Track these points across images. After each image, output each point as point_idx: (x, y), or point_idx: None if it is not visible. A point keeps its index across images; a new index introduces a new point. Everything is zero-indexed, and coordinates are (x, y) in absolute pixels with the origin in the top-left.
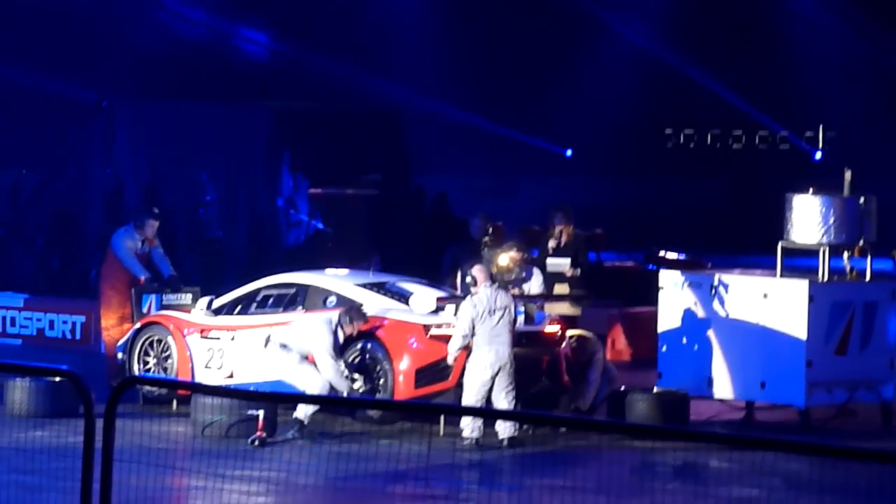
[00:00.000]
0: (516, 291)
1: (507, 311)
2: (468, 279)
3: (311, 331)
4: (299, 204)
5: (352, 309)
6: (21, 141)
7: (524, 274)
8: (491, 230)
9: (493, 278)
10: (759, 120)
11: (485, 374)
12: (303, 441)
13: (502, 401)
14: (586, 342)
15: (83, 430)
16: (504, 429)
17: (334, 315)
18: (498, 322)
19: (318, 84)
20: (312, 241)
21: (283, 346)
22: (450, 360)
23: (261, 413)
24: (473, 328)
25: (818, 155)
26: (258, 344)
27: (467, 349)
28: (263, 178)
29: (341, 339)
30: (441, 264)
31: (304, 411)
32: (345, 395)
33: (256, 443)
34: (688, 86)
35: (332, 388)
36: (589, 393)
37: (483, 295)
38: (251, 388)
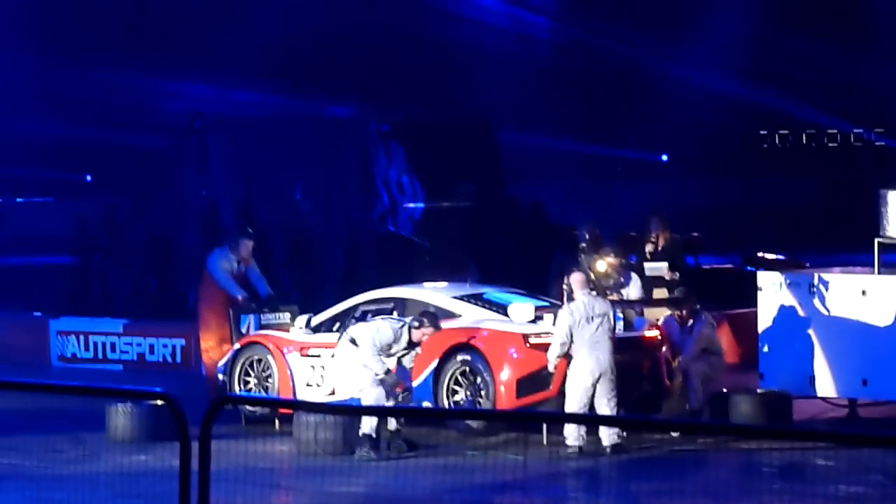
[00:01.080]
0: (615, 297)
1: (606, 317)
2: (565, 287)
3: (377, 327)
4: (396, 218)
5: (426, 313)
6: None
7: (622, 279)
8: (588, 236)
9: (591, 285)
10: (853, 118)
11: (586, 381)
12: (374, 457)
13: (604, 407)
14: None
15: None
16: (607, 436)
17: (408, 318)
18: (597, 329)
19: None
20: (409, 255)
21: (352, 340)
22: (550, 368)
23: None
24: (571, 336)
25: None
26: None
27: (568, 357)
28: (358, 192)
29: (408, 341)
30: (547, 273)
31: (369, 425)
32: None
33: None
34: (782, 86)
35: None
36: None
37: (580, 302)
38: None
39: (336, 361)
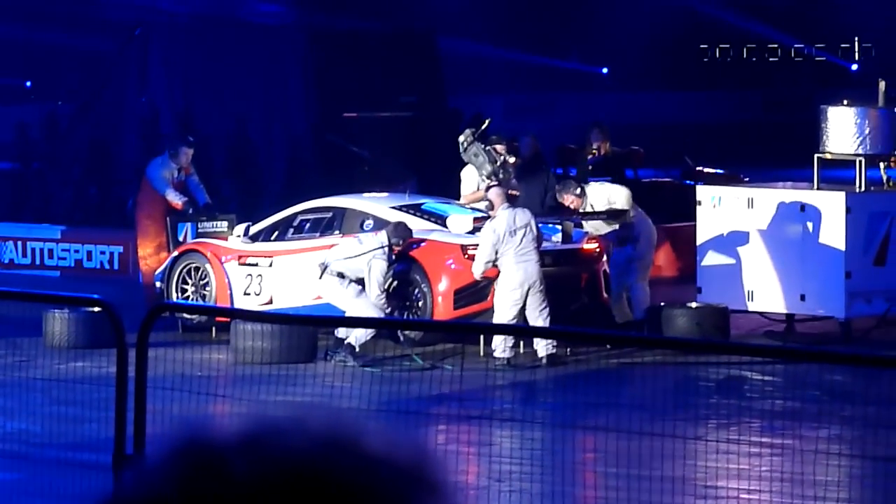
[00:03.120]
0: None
1: (528, 228)
2: (485, 204)
3: (368, 260)
4: (335, 127)
5: (398, 225)
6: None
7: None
8: (486, 123)
9: (509, 199)
10: (794, 33)
11: (514, 294)
12: (353, 365)
13: (537, 318)
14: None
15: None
16: (542, 347)
17: (383, 236)
18: (521, 241)
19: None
20: (349, 165)
21: (340, 275)
22: (476, 277)
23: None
24: (496, 252)
25: (854, 67)
26: (296, 269)
27: (497, 270)
28: (298, 102)
29: (392, 258)
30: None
31: (355, 337)
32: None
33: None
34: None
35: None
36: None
37: (501, 217)
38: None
39: (328, 297)
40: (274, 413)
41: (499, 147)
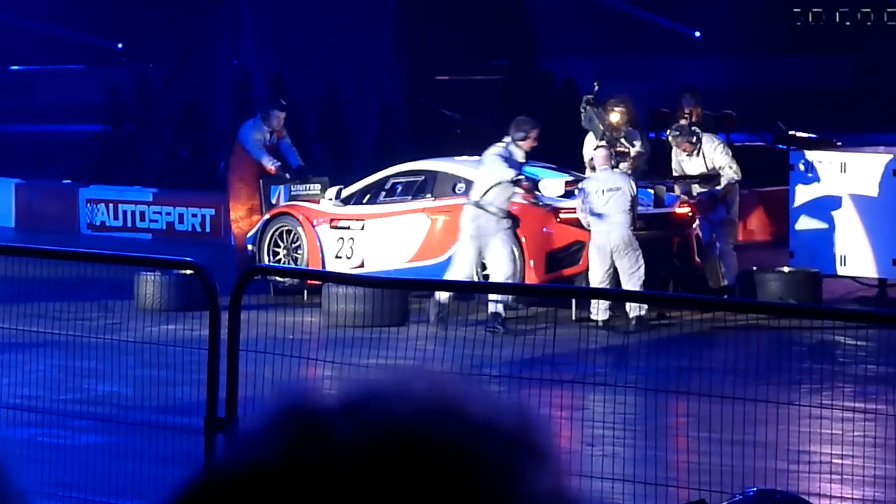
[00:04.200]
0: (631, 151)
1: (620, 192)
2: (588, 163)
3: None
4: (426, 90)
5: (520, 121)
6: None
7: (631, 132)
8: (595, 88)
9: (613, 161)
10: None
11: (599, 256)
12: (503, 332)
13: (627, 282)
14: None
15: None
16: (632, 308)
17: (505, 141)
18: (606, 203)
19: None
20: (441, 127)
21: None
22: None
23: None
24: (590, 211)
25: None
26: (388, 232)
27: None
28: (390, 64)
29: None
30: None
31: (495, 304)
32: None
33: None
34: None
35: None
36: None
37: (595, 177)
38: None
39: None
40: (375, 378)
41: (617, 109)
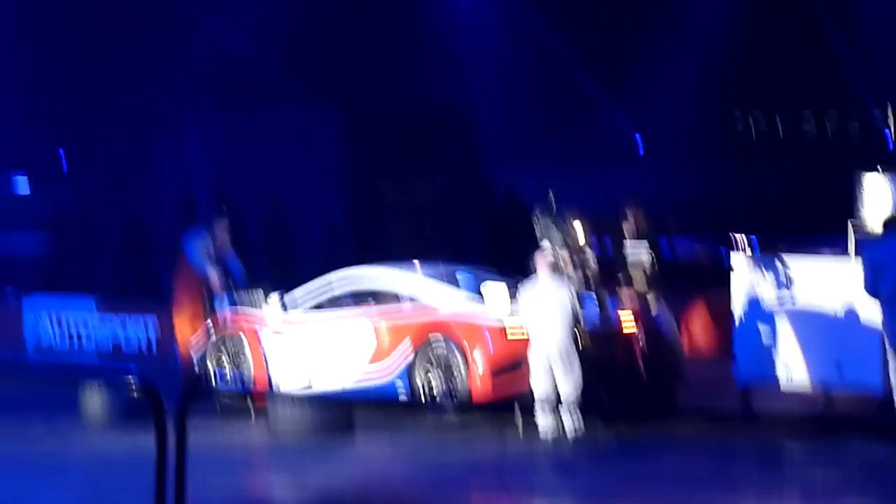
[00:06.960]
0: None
1: (558, 299)
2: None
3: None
4: (368, 200)
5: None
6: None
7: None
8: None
9: (553, 266)
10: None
11: (537, 362)
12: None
13: (563, 388)
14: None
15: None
16: (568, 420)
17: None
18: (545, 310)
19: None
20: (382, 233)
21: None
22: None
23: None
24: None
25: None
26: (332, 338)
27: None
28: (333, 174)
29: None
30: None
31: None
32: None
33: None
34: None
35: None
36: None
37: (535, 282)
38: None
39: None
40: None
41: (571, 221)
